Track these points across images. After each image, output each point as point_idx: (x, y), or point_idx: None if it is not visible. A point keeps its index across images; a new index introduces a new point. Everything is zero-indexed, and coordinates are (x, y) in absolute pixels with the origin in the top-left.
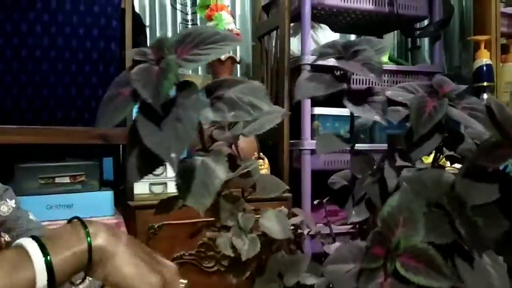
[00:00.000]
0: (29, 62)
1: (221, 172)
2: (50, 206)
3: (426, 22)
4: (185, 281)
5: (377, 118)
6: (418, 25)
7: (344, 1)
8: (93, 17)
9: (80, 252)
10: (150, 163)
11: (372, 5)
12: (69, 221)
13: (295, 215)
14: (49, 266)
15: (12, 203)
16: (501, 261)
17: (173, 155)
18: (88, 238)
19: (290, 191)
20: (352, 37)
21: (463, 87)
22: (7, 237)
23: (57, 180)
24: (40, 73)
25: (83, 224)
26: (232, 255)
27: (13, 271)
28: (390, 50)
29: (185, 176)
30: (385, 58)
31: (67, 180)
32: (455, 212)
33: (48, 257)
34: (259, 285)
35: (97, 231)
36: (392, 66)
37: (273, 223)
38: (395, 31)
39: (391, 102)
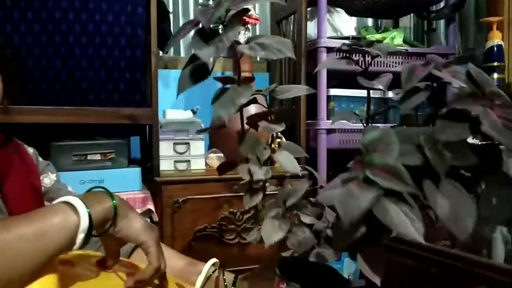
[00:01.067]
0: (62, 47)
1: (245, 96)
2: (83, 181)
3: (442, 4)
4: None
5: (380, 86)
6: (434, 8)
7: None
8: (121, 4)
9: (108, 208)
10: (198, 75)
11: None
12: (89, 190)
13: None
14: (89, 214)
15: (53, 176)
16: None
17: (210, 59)
18: (113, 201)
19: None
20: (369, 20)
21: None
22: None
23: (89, 157)
24: (72, 57)
25: (106, 190)
26: (248, 178)
27: (64, 216)
28: (405, 32)
29: (220, 95)
30: (399, 41)
31: (98, 157)
32: (428, 145)
33: (88, 208)
34: (267, 209)
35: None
36: (406, 48)
37: (285, 158)
38: (411, 14)
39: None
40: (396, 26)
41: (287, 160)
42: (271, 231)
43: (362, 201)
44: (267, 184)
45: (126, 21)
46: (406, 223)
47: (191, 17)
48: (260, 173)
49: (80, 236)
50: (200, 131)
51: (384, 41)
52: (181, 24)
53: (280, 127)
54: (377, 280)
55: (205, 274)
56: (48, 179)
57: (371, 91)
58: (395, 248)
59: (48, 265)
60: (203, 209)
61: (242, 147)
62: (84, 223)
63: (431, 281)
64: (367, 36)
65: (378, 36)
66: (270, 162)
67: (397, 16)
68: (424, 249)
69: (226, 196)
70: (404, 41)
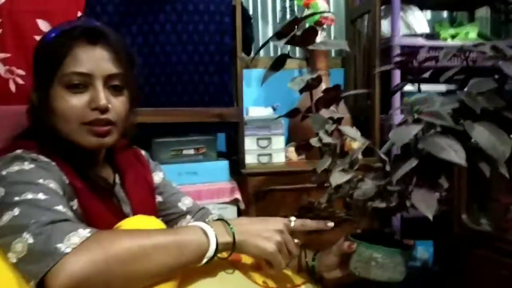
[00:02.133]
0: (161, 56)
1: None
2: (179, 173)
3: None
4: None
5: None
6: None
7: None
8: (210, 15)
9: (229, 242)
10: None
11: None
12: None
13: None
14: (216, 244)
15: (161, 174)
16: None
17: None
18: (232, 230)
19: None
20: (444, 13)
21: None
22: (160, 198)
23: (184, 151)
24: (169, 64)
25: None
26: (319, 145)
27: (199, 238)
28: (479, 26)
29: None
30: (473, 35)
31: (192, 151)
32: (464, 95)
33: (216, 239)
34: (336, 167)
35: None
36: (481, 42)
37: (351, 131)
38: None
39: None
40: (471, 17)
41: (352, 132)
42: (338, 177)
43: (411, 131)
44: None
45: (215, 30)
46: (450, 152)
47: (269, 18)
48: (328, 139)
49: (205, 260)
50: (280, 116)
51: (458, 36)
52: (260, 26)
53: (342, 114)
54: (429, 214)
55: None
56: (157, 177)
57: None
58: (468, 238)
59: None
60: (284, 198)
61: (314, 125)
62: (211, 250)
63: (502, 268)
64: (440, 32)
65: (451, 32)
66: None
67: (473, 8)
68: (497, 239)
69: (305, 187)
70: (479, 35)
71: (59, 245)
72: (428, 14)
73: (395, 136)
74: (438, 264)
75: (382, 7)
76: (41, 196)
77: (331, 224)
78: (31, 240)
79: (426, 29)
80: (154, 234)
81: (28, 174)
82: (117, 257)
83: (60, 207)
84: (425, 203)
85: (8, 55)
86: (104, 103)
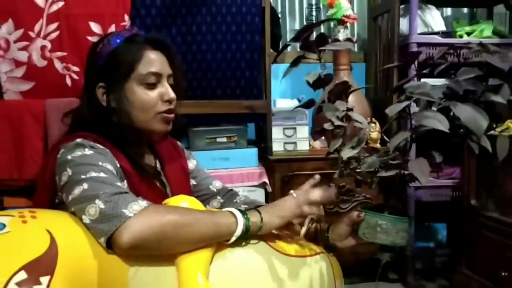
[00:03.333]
0: (198, 54)
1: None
2: (213, 159)
3: None
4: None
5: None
6: None
7: None
8: (242, 16)
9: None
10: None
11: None
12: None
13: None
14: (245, 226)
15: (194, 162)
16: None
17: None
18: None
19: None
20: (464, 11)
21: None
22: (194, 181)
23: (218, 139)
24: (205, 61)
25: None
26: (332, 127)
27: (230, 220)
28: (494, 23)
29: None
30: (488, 32)
31: (224, 139)
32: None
33: (247, 221)
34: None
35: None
36: (495, 40)
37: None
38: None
39: None
40: (490, 13)
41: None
42: (348, 151)
43: (402, 104)
44: None
45: (246, 29)
46: (435, 121)
47: (297, 14)
48: (339, 122)
49: (234, 237)
50: (297, 107)
51: (473, 34)
52: (287, 22)
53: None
54: (423, 178)
55: (306, 225)
56: (191, 164)
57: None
58: (477, 221)
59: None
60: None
61: (327, 112)
62: (239, 230)
63: (508, 249)
64: (457, 29)
65: (467, 29)
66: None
67: (491, 5)
68: (503, 223)
69: (326, 172)
70: (494, 32)
71: (124, 210)
72: (448, 10)
73: (389, 110)
74: (451, 244)
75: (402, 6)
76: (102, 174)
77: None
78: (102, 206)
79: (443, 27)
80: (197, 212)
81: (90, 158)
82: (169, 223)
83: (119, 183)
84: (419, 170)
85: (65, 53)
86: (173, 96)
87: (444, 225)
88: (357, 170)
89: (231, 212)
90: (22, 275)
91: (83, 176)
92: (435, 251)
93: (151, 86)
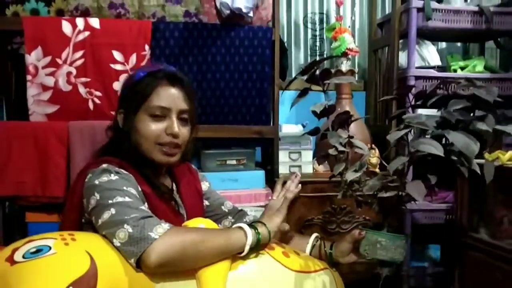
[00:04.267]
0: (212, 82)
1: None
2: (223, 180)
3: None
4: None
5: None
6: None
7: (446, 21)
8: (253, 48)
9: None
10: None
11: (470, 24)
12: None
13: None
14: (256, 239)
15: (207, 183)
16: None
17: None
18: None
19: None
20: (458, 44)
21: None
22: (207, 202)
23: (228, 162)
24: (218, 89)
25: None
26: (336, 153)
27: (240, 236)
28: (486, 59)
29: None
30: (480, 67)
31: (234, 162)
32: (444, 111)
33: (257, 235)
34: (349, 169)
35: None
36: (486, 75)
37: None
38: None
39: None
40: (482, 48)
41: (360, 144)
42: (351, 174)
43: (400, 132)
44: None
45: (257, 61)
46: (430, 147)
47: (301, 44)
48: (342, 148)
49: (247, 247)
50: (304, 133)
51: (467, 69)
52: (293, 51)
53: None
54: (419, 198)
55: (311, 243)
56: (204, 185)
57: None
58: (469, 244)
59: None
60: (311, 204)
61: (331, 139)
62: (249, 240)
63: (498, 271)
64: (451, 63)
65: (461, 64)
66: None
67: (483, 41)
68: (492, 246)
69: (328, 195)
70: (485, 68)
71: (150, 233)
72: (443, 43)
73: (390, 137)
74: (444, 264)
75: (400, 41)
76: (127, 199)
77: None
78: (130, 230)
79: (438, 61)
80: (212, 230)
81: (115, 183)
82: (189, 242)
83: (143, 207)
84: (416, 190)
85: (89, 79)
86: (177, 131)
87: (438, 247)
88: (358, 193)
89: (240, 227)
90: None
91: (110, 201)
92: (429, 271)
93: (158, 118)
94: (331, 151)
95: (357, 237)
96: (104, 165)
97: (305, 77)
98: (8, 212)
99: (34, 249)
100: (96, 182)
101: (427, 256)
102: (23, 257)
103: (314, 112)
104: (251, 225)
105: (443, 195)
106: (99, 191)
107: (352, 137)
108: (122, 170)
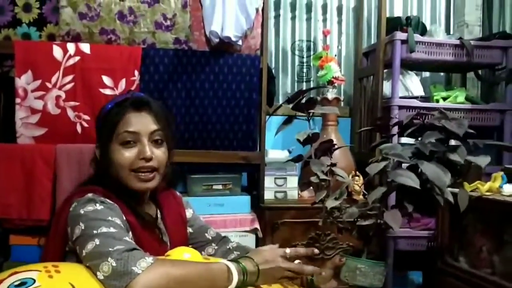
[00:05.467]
0: (200, 108)
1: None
2: (209, 204)
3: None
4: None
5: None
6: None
7: (428, 53)
8: (241, 76)
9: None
10: (287, 121)
11: (452, 57)
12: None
13: None
14: (240, 280)
15: (191, 211)
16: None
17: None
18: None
19: None
20: (441, 74)
21: None
22: (190, 230)
23: (214, 186)
24: (206, 114)
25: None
26: (318, 180)
27: (224, 273)
28: (467, 91)
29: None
30: (462, 98)
31: (220, 187)
32: (419, 143)
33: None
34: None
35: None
36: (467, 106)
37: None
38: None
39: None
40: (463, 78)
41: (341, 172)
42: (331, 202)
43: (380, 165)
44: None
45: (245, 88)
46: (407, 179)
47: (289, 70)
48: (324, 176)
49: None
50: (288, 160)
51: (449, 99)
52: (280, 77)
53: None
54: (395, 226)
55: None
56: (188, 213)
57: None
58: (449, 272)
59: None
60: (296, 229)
61: (313, 167)
62: (234, 282)
63: None
64: (434, 94)
65: (443, 94)
66: None
67: (464, 72)
68: (471, 275)
69: (313, 221)
70: (466, 99)
71: (133, 268)
72: (426, 73)
73: (369, 169)
74: None
75: (385, 70)
76: (112, 229)
77: (316, 251)
78: (114, 264)
79: (421, 92)
80: (197, 266)
81: (100, 213)
82: (173, 279)
83: (127, 238)
84: (392, 219)
85: (78, 103)
86: (149, 154)
87: (420, 273)
88: (339, 220)
89: (226, 265)
90: None
91: (95, 231)
92: None
93: (129, 145)
94: (313, 179)
95: (337, 263)
96: (90, 195)
97: (291, 108)
98: None
99: (18, 282)
100: (81, 211)
101: (409, 282)
102: None
103: (298, 140)
104: (236, 260)
105: (425, 221)
106: (84, 220)
107: (334, 165)
108: (107, 200)
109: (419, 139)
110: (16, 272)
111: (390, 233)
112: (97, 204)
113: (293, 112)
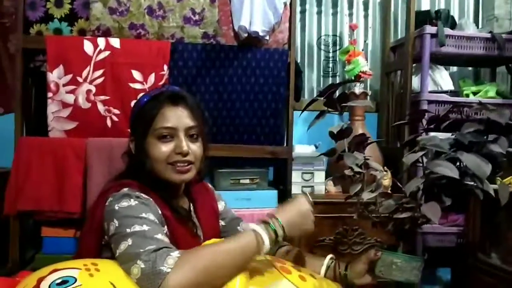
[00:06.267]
0: (228, 102)
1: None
2: (236, 199)
3: None
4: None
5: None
6: None
7: (458, 47)
8: (269, 70)
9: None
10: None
11: (483, 50)
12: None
13: None
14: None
15: (223, 203)
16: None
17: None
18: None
19: None
20: (469, 69)
21: None
22: (223, 222)
23: (241, 181)
24: (234, 109)
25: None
26: (352, 173)
27: (252, 244)
28: (498, 85)
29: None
30: (492, 93)
31: (247, 181)
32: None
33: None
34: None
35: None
36: (498, 100)
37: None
38: None
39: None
40: (493, 73)
41: (376, 165)
42: (367, 194)
43: (417, 154)
44: None
45: (272, 82)
46: (445, 169)
47: (315, 65)
48: (358, 169)
49: (267, 243)
50: (320, 154)
51: (479, 94)
52: (306, 72)
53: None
54: (435, 219)
55: (326, 264)
56: (220, 205)
57: None
58: (481, 268)
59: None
60: (323, 224)
61: (347, 160)
62: (267, 243)
63: None
64: (463, 88)
65: (473, 89)
66: None
67: (495, 66)
68: (504, 271)
69: (341, 215)
70: (497, 93)
71: (161, 268)
72: (454, 68)
73: (406, 159)
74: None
75: (414, 65)
76: (145, 227)
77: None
78: (142, 266)
79: (451, 86)
80: (223, 247)
81: (134, 209)
82: (200, 270)
83: (159, 235)
84: (431, 212)
85: (108, 97)
86: (186, 149)
87: (448, 270)
88: (374, 214)
89: (253, 229)
90: None
91: (128, 230)
92: None
93: (166, 140)
94: (347, 172)
95: (372, 257)
96: (125, 189)
97: (320, 99)
98: (23, 227)
99: (60, 280)
100: (116, 207)
101: (437, 279)
102: None
103: (331, 134)
104: (263, 221)
105: (453, 218)
106: (118, 217)
107: (368, 158)
108: (143, 195)
109: (457, 132)
110: (56, 270)
111: (421, 228)
112: (132, 200)
113: (318, 107)
